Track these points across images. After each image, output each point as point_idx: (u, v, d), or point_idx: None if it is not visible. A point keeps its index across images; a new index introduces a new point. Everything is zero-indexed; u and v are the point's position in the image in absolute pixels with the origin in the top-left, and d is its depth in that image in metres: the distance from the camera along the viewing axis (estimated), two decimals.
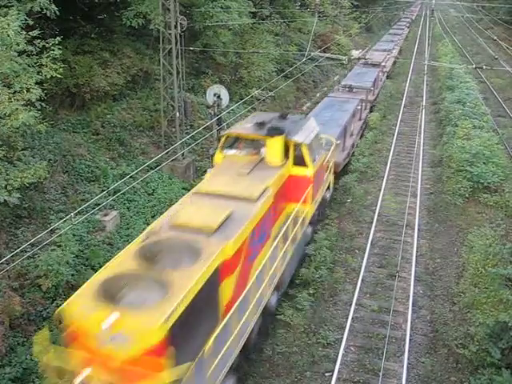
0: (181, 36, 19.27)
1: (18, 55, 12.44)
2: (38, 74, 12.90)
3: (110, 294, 7.90)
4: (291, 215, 13.18)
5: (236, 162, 13.26)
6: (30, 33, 12.69)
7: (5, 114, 11.97)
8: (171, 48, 19.11)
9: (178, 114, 20.00)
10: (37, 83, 12.81)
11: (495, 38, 50.05)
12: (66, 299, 12.51)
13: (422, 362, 12.02)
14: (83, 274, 13.32)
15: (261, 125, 13.91)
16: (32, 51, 12.84)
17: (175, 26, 18.84)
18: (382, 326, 13.12)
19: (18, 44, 12.12)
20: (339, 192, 20.18)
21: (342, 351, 12.12)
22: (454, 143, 23.65)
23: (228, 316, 9.24)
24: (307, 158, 14.01)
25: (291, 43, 36.61)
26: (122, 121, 20.02)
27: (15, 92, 12.24)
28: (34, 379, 10.74)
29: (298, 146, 13.91)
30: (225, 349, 8.85)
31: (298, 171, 14.03)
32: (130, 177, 13.91)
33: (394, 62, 47.12)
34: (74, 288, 12.93)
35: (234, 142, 14.13)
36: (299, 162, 14.02)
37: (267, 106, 29.15)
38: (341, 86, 31.17)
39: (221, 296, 9.51)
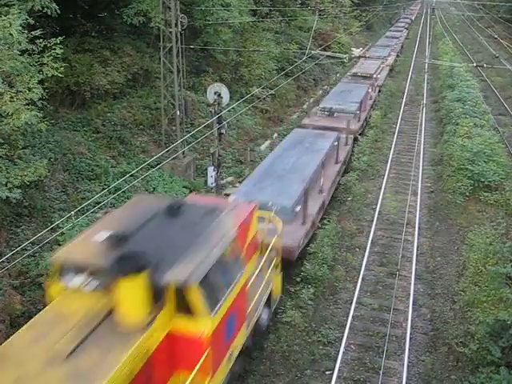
0: (181, 34, 19.26)
1: (20, 54, 12.44)
2: (39, 73, 12.90)
3: None
4: None
5: (66, 315, 7.42)
6: (32, 32, 12.69)
7: (7, 114, 11.97)
8: (172, 46, 19.10)
9: (178, 112, 20.00)
10: (38, 82, 12.81)
11: (496, 36, 50.09)
12: None
13: (423, 361, 12.02)
14: None
15: (116, 242, 8.02)
16: (34, 50, 12.83)
17: (176, 24, 18.83)
18: (383, 324, 13.13)
19: (19, 43, 12.12)
20: (340, 191, 20.18)
21: (342, 349, 12.12)
22: (455, 142, 23.63)
23: None
24: (199, 307, 7.87)
25: (292, 41, 36.57)
26: (122, 119, 20.03)
27: (18, 92, 12.24)
28: None
29: (180, 288, 7.71)
30: None
31: (184, 325, 7.92)
32: (131, 175, 13.93)
33: (391, 69, 42.46)
34: None
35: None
36: (185, 308, 7.86)
37: (268, 104, 29.15)
38: (319, 109, 26.01)
39: None
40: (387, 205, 19.58)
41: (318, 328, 12.87)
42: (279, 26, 36.16)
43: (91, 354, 6.70)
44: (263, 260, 10.80)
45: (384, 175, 22.30)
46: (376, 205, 19.48)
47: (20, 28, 12.10)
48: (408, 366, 11.74)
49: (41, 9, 14.05)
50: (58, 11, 14.62)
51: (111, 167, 17.72)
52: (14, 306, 11.56)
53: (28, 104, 12.41)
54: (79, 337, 6.94)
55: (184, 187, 19.27)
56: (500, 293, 12.84)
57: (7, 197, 11.96)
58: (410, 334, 12.70)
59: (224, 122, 20.08)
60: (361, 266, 15.47)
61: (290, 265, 13.76)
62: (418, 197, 20.36)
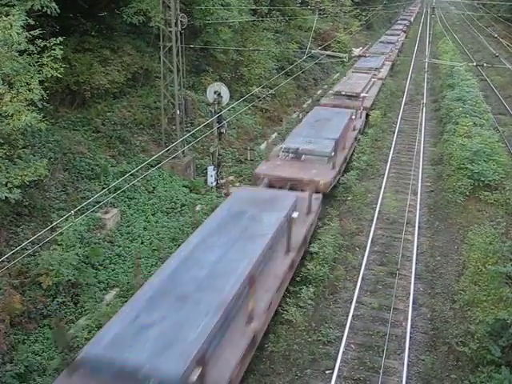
0: (181, 34, 19.25)
1: (20, 55, 12.42)
2: (38, 73, 12.87)
3: None
4: None
5: None
6: (31, 32, 12.66)
7: (7, 115, 11.95)
8: (171, 46, 19.09)
9: (178, 111, 20.00)
10: (38, 83, 12.78)
11: (496, 35, 50.08)
12: (66, 297, 12.66)
13: (423, 360, 12.03)
14: (83, 272, 13.34)
15: None
16: (33, 51, 12.80)
17: (175, 24, 18.82)
18: (383, 323, 13.14)
19: (19, 43, 12.10)
20: (340, 190, 20.17)
21: (342, 349, 12.14)
22: (455, 141, 23.62)
23: None
24: None
25: (291, 41, 36.55)
26: (122, 118, 20.01)
27: (18, 93, 12.22)
28: (35, 377, 10.77)
29: None
30: None
31: None
32: (131, 174, 13.92)
33: (383, 83, 35.43)
34: (74, 286, 12.99)
35: None
36: None
37: (267, 103, 29.13)
38: (282, 150, 19.65)
39: None
40: (387, 204, 19.59)
41: (318, 327, 12.88)
42: (279, 25, 36.12)
43: None
44: None
45: (384, 174, 22.31)
46: (376, 204, 19.48)
47: (20, 29, 12.07)
48: (408, 365, 11.76)
49: (40, 8, 14.02)
50: (58, 10, 14.60)
51: (111, 166, 17.72)
52: (14, 306, 11.56)
53: (29, 105, 12.39)
54: None
55: (184, 186, 19.27)
56: (500, 292, 12.85)
57: (6, 197, 11.96)
58: (410, 333, 12.71)
59: (224, 122, 20.14)
60: (361, 266, 15.48)
61: None
62: (418, 196, 20.37)
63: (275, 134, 26.62)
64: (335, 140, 19.64)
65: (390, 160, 23.99)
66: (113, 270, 14.26)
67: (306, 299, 13.32)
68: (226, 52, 27.14)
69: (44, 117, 13.41)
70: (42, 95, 12.73)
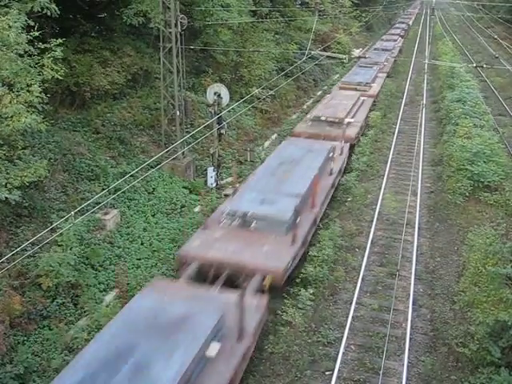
0: (181, 34, 19.26)
1: (20, 56, 12.41)
2: (38, 75, 12.87)
3: None
4: None
5: None
6: (30, 33, 12.66)
7: (7, 116, 11.95)
8: (171, 47, 19.10)
9: (178, 112, 20.00)
10: (39, 85, 12.78)
11: (496, 36, 50.11)
12: (66, 298, 12.65)
13: (422, 361, 12.03)
14: (83, 273, 13.34)
15: None
16: (33, 52, 12.80)
17: (175, 25, 18.82)
18: (383, 324, 13.13)
19: (18, 44, 12.09)
20: (339, 191, 20.17)
21: (342, 350, 12.13)
22: (455, 142, 23.63)
23: None
24: None
25: (291, 42, 36.56)
26: (122, 119, 20.02)
27: (18, 95, 12.21)
28: (34, 378, 10.76)
29: None
30: None
31: None
32: (131, 175, 13.90)
33: (375, 102, 30.49)
34: (74, 287, 12.99)
35: None
36: None
37: (267, 104, 29.13)
38: (226, 214, 14.24)
39: None
40: (387, 205, 19.59)
41: (317, 328, 12.88)
42: (279, 26, 36.16)
43: None
44: None
45: (384, 175, 22.31)
46: (376, 205, 19.48)
47: (19, 30, 12.07)
48: (408, 366, 11.76)
49: (40, 10, 14.03)
50: (58, 12, 14.61)
51: (111, 167, 17.72)
52: (14, 307, 11.56)
53: (29, 106, 12.39)
54: None
55: (184, 188, 19.26)
56: (500, 293, 12.83)
57: (6, 198, 11.95)
58: (410, 334, 12.71)
59: (224, 123, 20.15)
60: (361, 267, 15.47)
61: None
62: (418, 197, 20.37)
63: (275, 135, 26.63)
64: (300, 197, 14.78)
65: (389, 161, 23.99)
66: (112, 271, 14.26)
67: (306, 300, 13.31)
68: (226, 53, 27.14)
69: (44, 118, 13.41)
70: (42, 98, 12.73)
